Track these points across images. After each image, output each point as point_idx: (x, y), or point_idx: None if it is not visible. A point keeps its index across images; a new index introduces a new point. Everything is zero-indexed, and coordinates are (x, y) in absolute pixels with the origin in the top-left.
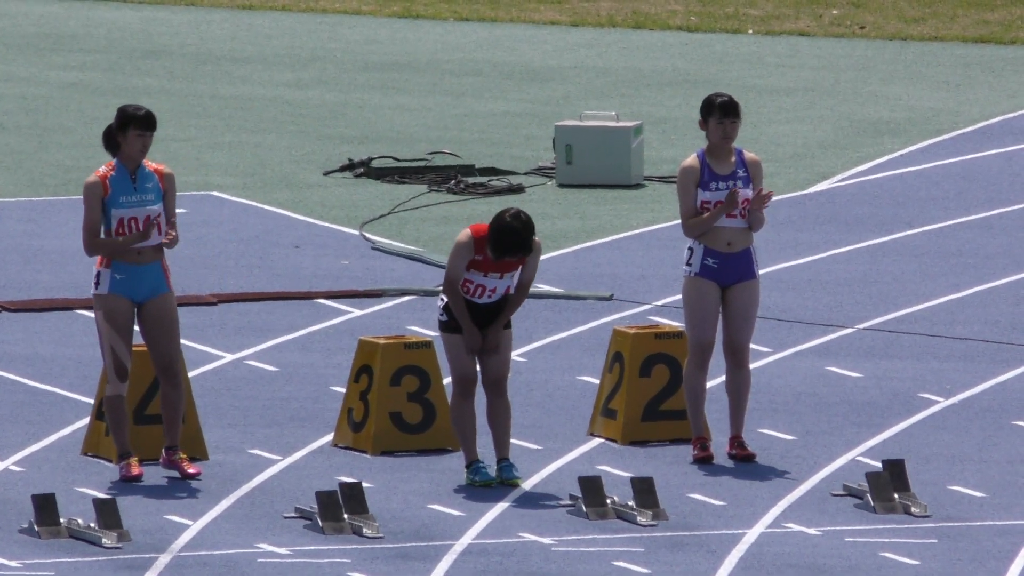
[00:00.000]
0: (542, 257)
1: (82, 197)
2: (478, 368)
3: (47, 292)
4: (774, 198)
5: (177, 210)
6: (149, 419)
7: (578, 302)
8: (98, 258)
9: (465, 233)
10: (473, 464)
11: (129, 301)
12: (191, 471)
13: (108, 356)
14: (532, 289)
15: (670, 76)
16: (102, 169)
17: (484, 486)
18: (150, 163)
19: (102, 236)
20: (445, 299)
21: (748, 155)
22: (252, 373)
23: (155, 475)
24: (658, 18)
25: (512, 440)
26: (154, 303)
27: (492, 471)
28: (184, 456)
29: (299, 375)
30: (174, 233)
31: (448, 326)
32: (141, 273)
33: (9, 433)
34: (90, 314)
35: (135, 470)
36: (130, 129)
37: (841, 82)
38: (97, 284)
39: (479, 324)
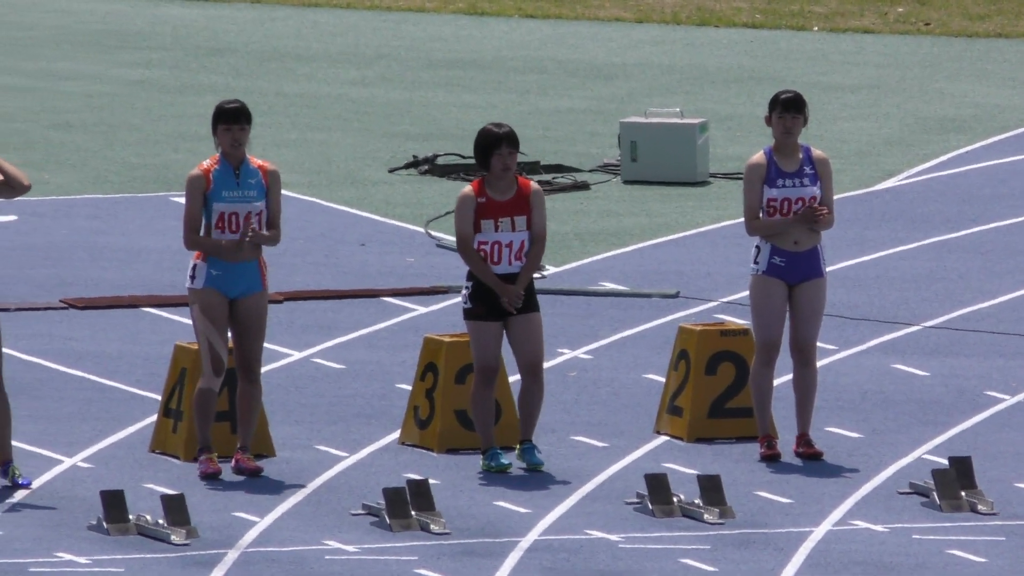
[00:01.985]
0: (608, 254)
1: (184, 190)
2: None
3: (113, 289)
4: (839, 195)
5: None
6: (218, 416)
7: (644, 300)
8: (195, 251)
9: (462, 189)
10: (489, 450)
11: (223, 296)
12: (255, 467)
13: (205, 349)
14: (597, 287)
15: (735, 73)
16: (206, 163)
17: (499, 471)
18: (255, 159)
19: (203, 230)
20: (469, 287)
21: (815, 152)
22: (319, 371)
23: (221, 471)
24: (723, 15)
25: (579, 437)
26: (247, 301)
27: (507, 458)
28: (250, 456)
29: (365, 372)
30: (267, 233)
31: (472, 313)
32: (237, 270)
33: (78, 430)
34: (156, 312)
35: (215, 466)
36: (219, 123)
37: (906, 79)
38: (193, 278)
39: (507, 311)
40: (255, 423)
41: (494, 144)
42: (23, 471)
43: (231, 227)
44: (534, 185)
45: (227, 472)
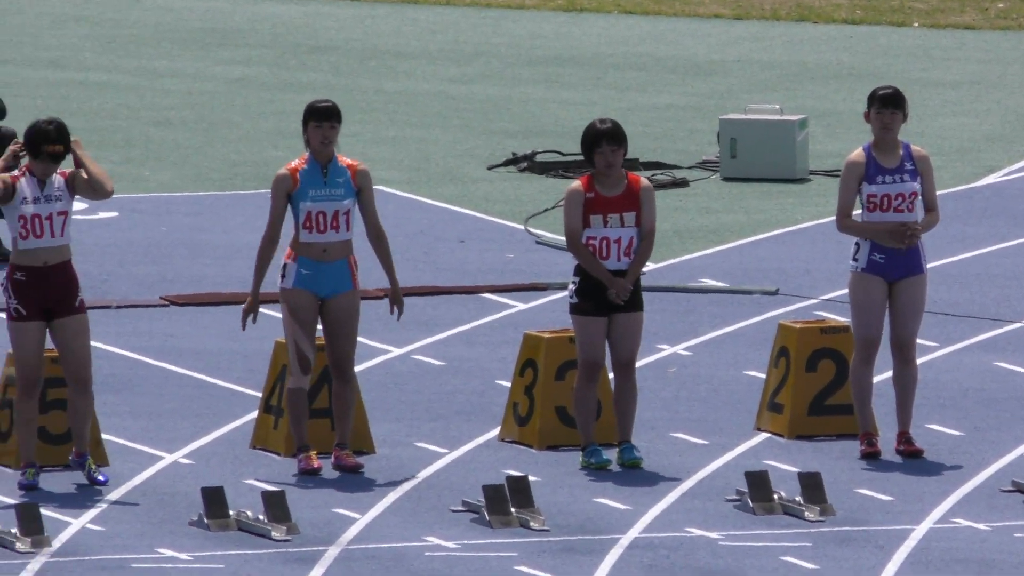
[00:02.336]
0: (707, 251)
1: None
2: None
3: (214, 286)
4: (942, 191)
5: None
6: (317, 413)
7: (744, 296)
8: (287, 250)
9: (571, 184)
10: (589, 446)
11: (313, 296)
12: (354, 463)
13: (292, 350)
14: (697, 284)
15: (834, 69)
16: (294, 162)
17: (599, 468)
18: (344, 158)
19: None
20: (576, 281)
21: (915, 149)
22: (418, 367)
23: (322, 468)
24: (822, 11)
25: (678, 434)
26: (337, 300)
27: (608, 454)
28: (349, 452)
29: (465, 369)
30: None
31: (578, 308)
32: (327, 270)
33: (178, 426)
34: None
35: (314, 463)
36: (310, 121)
37: (1008, 75)
38: (283, 278)
39: (613, 307)
40: (351, 420)
41: (596, 141)
42: (124, 468)
43: (319, 227)
44: (644, 181)
45: (327, 469)
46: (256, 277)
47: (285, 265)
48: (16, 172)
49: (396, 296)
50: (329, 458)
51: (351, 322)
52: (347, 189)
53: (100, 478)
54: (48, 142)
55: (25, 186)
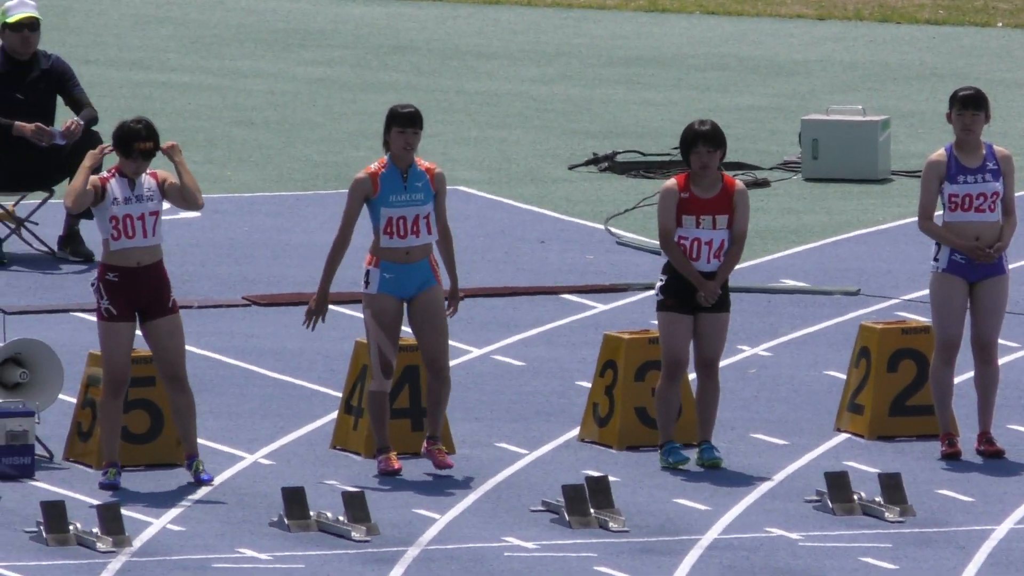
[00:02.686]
0: (788, 252)
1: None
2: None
3: (295, 287)
4: (1020, 193)
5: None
6: (397, 413)
7: (825, 297)
8: (367, 256)
9: (666, 182)
10: (667, 444)
11: (397, 300)
12: (446, 463)
13: (375, 353)
14: (778, 284)
15: (917, 70)
16: (373, 166)
17: (676, 466)
18: (422, 161)
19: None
20: (664, 279)
21: (998, 149)
22: (498, 367)
23: (402, 469)
24: (905, 11)
25: (758, 435)
26: (422, 297)
27: (687, 454)
28: (443, 448)
29: (545, 369)
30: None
31: (664, 304)
32: (409, 271)
33: (259, 427)
34: (337, 308)
35: (395, 464)
36: (393, 126)
37: None
38: (367, 284)
39: (700, 307)
40: (443, 415)
41: (693, 142)
42: (206, 467)
43: (399, 232)
44: (739, 185)
45: (408, 470)
46: (325, 278)
47: (368, 272)
48: (105, 174)
49: (454, 294)
50: (409, 458)
51: (439, 315)
52: (427, 193)
53: (205, 477)
54: (139, 140)
55: (115, 187)
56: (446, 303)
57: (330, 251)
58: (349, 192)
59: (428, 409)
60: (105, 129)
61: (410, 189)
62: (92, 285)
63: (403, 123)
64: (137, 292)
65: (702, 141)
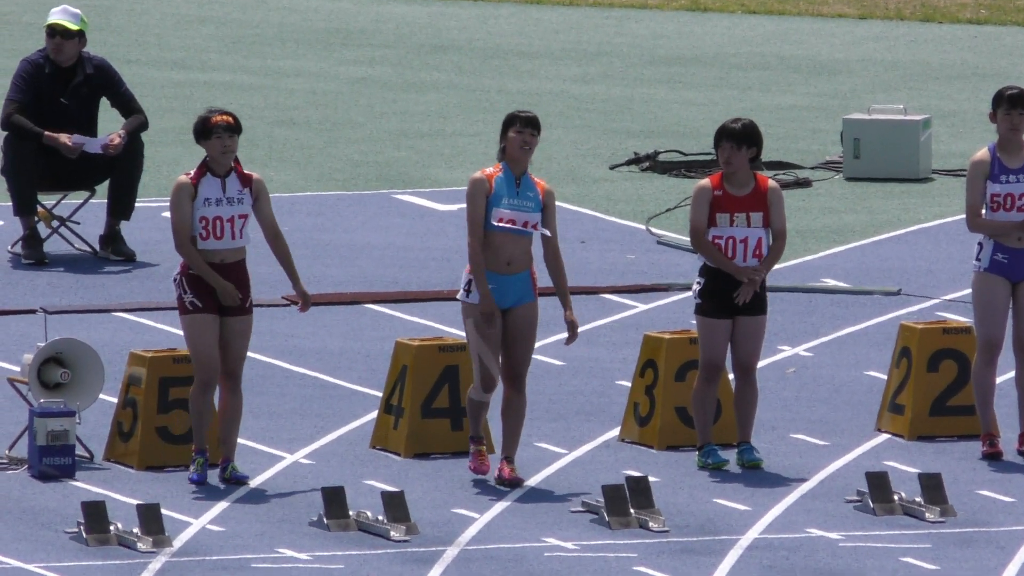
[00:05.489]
0: (829, 251)
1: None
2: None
3: (336, 286)
4: None
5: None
6: (436, 412)
7: (865, 297)
8: (468, 265)
9: (700, 180)
10: (706, 446)
11: (498, 309)
12: (520, 480)
13: (476, 366)
14: (818, 284)
15: (959, 69)
16: (489, 169)
17: (715, 468)
18: (535, 177)
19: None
20: (701, 282)
21: None
22: (539, 367)
23: (441, 468)
24: (947, 11)
25: (799, 435)
26: (519, 310)
27: (726, 455)
28: (515, 468)
29: (585, 369)
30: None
31: (701, 308)
32: (510, 283)
33: (299, 426)
34: (378, 308)
35: (485, 463)
36: (511, 128)
37: None
38: (468, 292)
39: (737, 310)
40: (520, 432)
41: (717, 137)
42: (245, 468)
43: (512, 225)
44: (772, 183)
45: (447, 470)
46: (481, 283)
47: (469, 280)
48: (193, 172)
49: (570, 319)
50: (448, 458)
51: (530, 332)
52: (536, 204)
53: (241, 475)
54: (215, 115)
55: (205, 187)
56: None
57: (470, 258)
58: (468, 195)
59: (506, 426)
60: (153, 127)
61: (522, 196)
62: (174, 280)
63: (522, 124)
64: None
65: (726, 137)
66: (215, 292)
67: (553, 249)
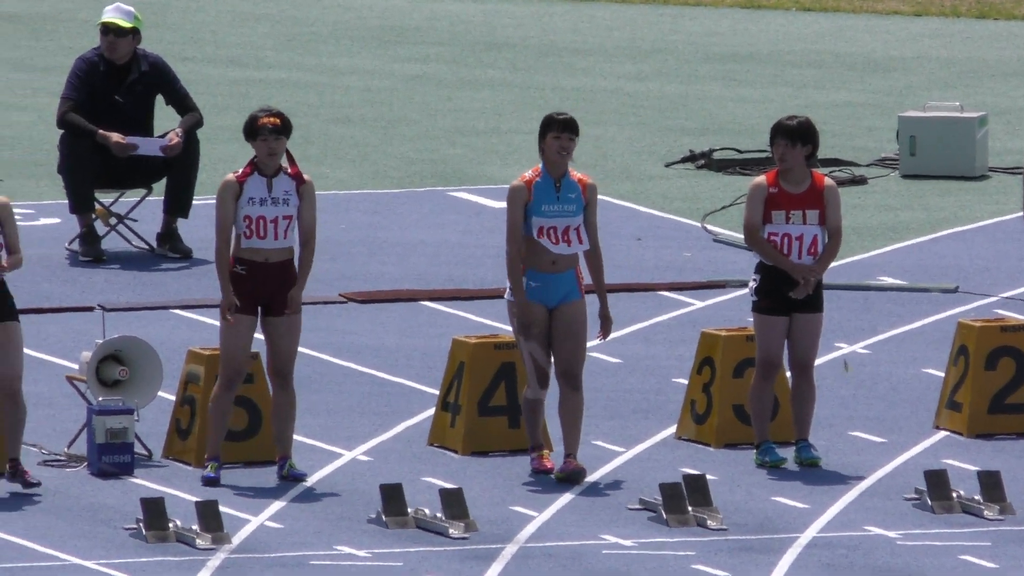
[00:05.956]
0: (886, 249)
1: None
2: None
3: (392, 284)
4: None
5: None
6: (493, 410)
7: (922, 294)
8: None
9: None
10: (763, 444)
11: (544, 307)
12: (579, 468)
13: (529, 364)
14: (875, 281)
15: (1015, 66)
16: (528, 174)
17: (773, 467)
18: (575, 172)
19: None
20: (757, 279)
21: None
22: (595, 365)
23: (499, 466)
24: (1003, 8)
25: (857, 433)
26: (564, 309)
27: (783, 453)
28: (578, 462)
29: (642, 367)
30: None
31: (758, 306)
32: (556, 281)
33: (357, 424)
34: (434, 305)
35: (548, 463)
36: (548, 132)
37: None
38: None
39: (794, 307)
40: (580, 429)
41: (772, 135)
42: (303, 466)
43: (552, 239)
44: (828, 181)
45: (505, 467)
46: (517, 290)
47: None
48: (241, 171)
49: (605, 314)
50: (506, 456)
51: (580, 329)
52: (578, 204)
53: (299, 473)
54: (262, 117)
55: (251, 186)
56: (601, 332)
57: (508, 265)
58: (508, 201)
59: (565, 425)
60: (209, 125)
61: (562, 200)
62: None
63: (559, 128)
64: (262, 286)
65: (781, 134)
66: (256, 293)
67: (593, 243)
